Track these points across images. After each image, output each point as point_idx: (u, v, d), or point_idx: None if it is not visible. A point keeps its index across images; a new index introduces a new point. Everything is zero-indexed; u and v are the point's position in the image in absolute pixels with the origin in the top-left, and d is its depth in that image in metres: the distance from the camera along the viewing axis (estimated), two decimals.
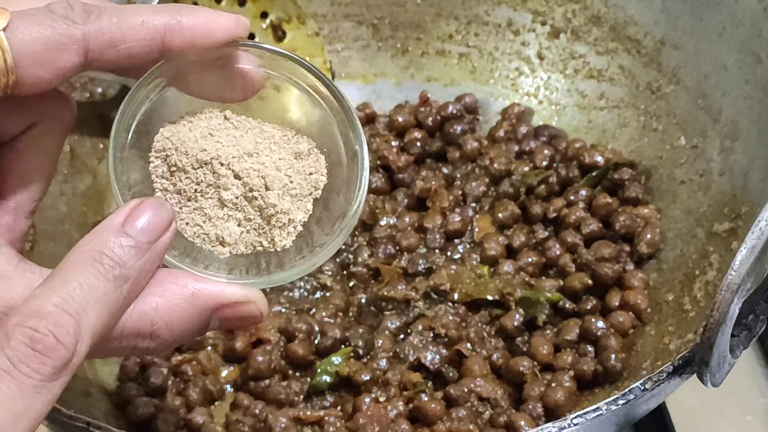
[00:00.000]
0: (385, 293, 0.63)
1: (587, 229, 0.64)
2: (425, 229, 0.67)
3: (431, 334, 0.61)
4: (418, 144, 0.72)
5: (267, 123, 0.39)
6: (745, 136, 0.59)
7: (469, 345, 0.60)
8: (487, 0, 0.75)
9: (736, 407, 0.66)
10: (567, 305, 0.62)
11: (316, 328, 0.63)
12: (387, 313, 0.63)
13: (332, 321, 0.64)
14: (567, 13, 0.73)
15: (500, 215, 0.67)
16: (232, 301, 0.37)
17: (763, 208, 0.41)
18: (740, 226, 0.57)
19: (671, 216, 0.63)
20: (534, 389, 0.57)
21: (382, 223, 0.68)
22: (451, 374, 0.59)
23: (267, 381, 0.60)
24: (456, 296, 0.63)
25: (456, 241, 0.67)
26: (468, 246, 0.67)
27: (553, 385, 0.57)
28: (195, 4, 0.63)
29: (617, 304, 0.61)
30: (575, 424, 0.45)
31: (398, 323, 0.62)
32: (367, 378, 0.59)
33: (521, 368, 0.58)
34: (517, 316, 0.61)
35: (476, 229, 0.67)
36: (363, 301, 0.64)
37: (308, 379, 0.61)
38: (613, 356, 0.58)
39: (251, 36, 0.65)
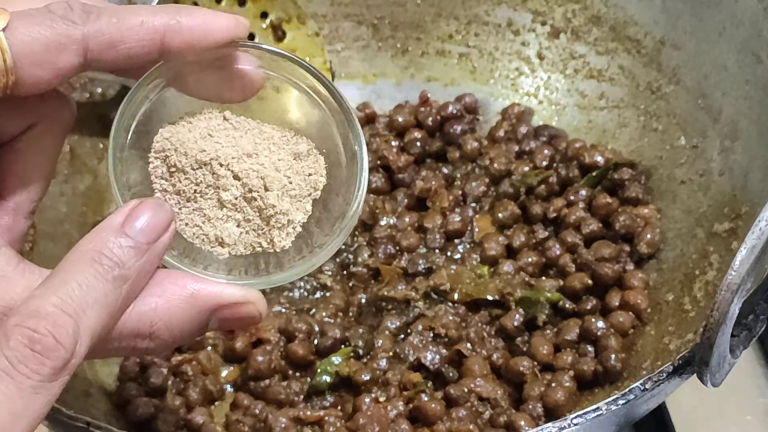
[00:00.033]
0: (385, 293, 0.63)
1: (587, 229, 0.64)
2: (425, 229, 0.67)
3: (431, 334, 0.61)
4: (418, 144, 0.72)
5: (266, 124, 0.39)
6: (745, 136, 0.59)
7: (469, 345, 0.60)
8: (487, 0, 0.75)
9: (736, 407, 0.66)
10: (567, 305, 0.62)
11: (316, 328, 0.63)
12: (387, 313, 0.63)
13: (332, 321, 0.64)
14: (567, 13, 0.73)
15: (500, 215, 0.67)
16: (231, 302, 0.37)
17: (763, 208, 0.41)
18: (740, 226, 0.57)
19: (671, 216, 0.63)
20: (534, 389, 0.57)
21: (382, 223, 0.68)
22: (451, 374, 0.59)
23: (267, 381, 0.60)
24: (456, 296, 0.63)
25: (456, 241, 0.67)
26: (468, 246, 0.67)
27: (553, 385, 0.57)
28: (195, 4, 0.63)
29: (617, 304, 0.61)
30: (575, 424, 0.45)
31: (398, 323, 0.62)
32: (367, 378, 0.59)
33: (521, 368, 0.58)
34: (517, 316, 0.61)
35: (476, 229, 0.67)
36: (363, 301, 0.64)
37: (308, 379, 0.61)
38: (613, 356, 0.58)
39: (251, 36, 0.65)
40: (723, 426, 0.65)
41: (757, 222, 0.41)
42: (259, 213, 0.38)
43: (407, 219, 0.68)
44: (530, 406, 0.57)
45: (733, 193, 0.59)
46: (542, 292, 0.62)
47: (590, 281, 0.62)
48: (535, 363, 0.59)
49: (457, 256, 0.67)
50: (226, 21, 0.37)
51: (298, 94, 0.40)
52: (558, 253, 0.64)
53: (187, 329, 0.36)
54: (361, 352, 0.61)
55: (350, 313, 0.65)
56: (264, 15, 0.66)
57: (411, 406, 0.57)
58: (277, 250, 0.38)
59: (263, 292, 0.39)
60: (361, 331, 0.62)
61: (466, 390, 0.57)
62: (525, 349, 0.60)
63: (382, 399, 0.58)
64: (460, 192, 0.69)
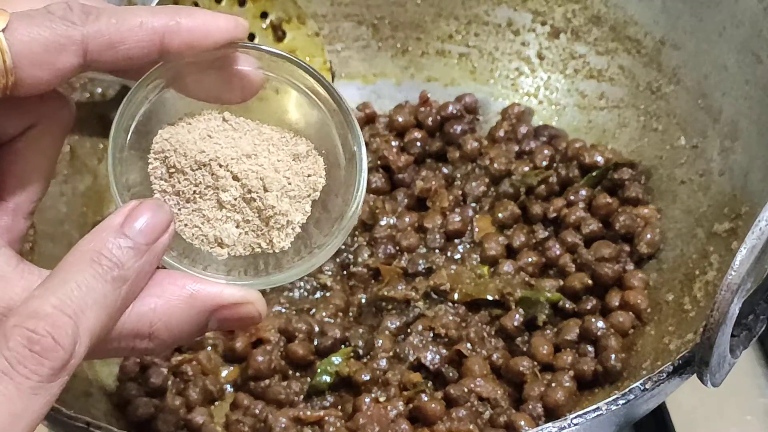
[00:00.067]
0: (385, 293, 0.63)
1: (587, 229, 0.64)
2: (425, 229, 0.67)
3: (431, 334, 0.61)
4: (418, 144, 0.72)
5: (265, 124, 0.39)
6: (745, 136, 0.59)
7: (469, 345, 0.60)
8: (487, 0, 0.75)
9: (736, 407, 0.66)
10: (567, 305, 0.62)
11: (316, 328, 0.63)
12: (387, 313, 0.63)
13: (332, 321, 0.64)
14: (567, 13, 0.73)
15: (500, 215, 0.67)
16: (231, 302, 0.37)
17: (763, 208, 0.41)
18: (740, 226, 0.57)
19: (671, 216, 0.63)
20: (534, 389, 0.57)
21: (382, 223, 0.68)
22: (451, 374, 0.59)
23: (267, 381, 0.60)
24: (456, 296, 0.63)
25: (456, 241, 0.67)
26: (468, 246, 0.67)
27: (553, 385, 0.57)
28: (195, 4, 0.63)
29: (617, 304, 0.61)
30: (575, 424, 0.45)
31: (398, 323, 0.62)
32: (367, 378, 0.59)
33: (521, 368, 0.58)
34: (517, 316, 0.61)
35: (476, 229, 0.67)
36: (363, 301, 0.64)
37: (308, 379, 0.61)
38: (613, 356, 0.58)
39: (251, 36, 0.64)
40: (723, 426, 0.65)
41: (757, 222, 0.41)
42: (258, 214, 0.38)
43: (407, 219, 0.68)
44: (530, 406, 0.57)
45: (733, 193, 0.59)
46: (542, 292, 0.62)
47: (590, 281, 0.62)
48: (535, 363, 0.59)
49: (457, 256, 0.67)
50: (226, 22, 0.37)
51: (298, 95, 0.40)
52: (558, 253, 0.64)
53: (186, 329, 0.36)
54: (361, 352, 0.61)
55: (350, 313, 0.65)
56: (264, 15, 0.66)
57: (411, 406, 0.57)
58: (276, 250, 0.39)
59: (262, 292, 0.39)
60: (361, 331, 0.62)
61: (466, 390, 0.57)
62: (525, 349, 0.60)
63: (382, 399, 0.58)
64: (460, 192, 0.69)
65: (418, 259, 0.65)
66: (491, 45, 0.76)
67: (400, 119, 0.73)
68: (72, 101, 0.40)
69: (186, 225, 0.38)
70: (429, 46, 0.77)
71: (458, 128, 0.72)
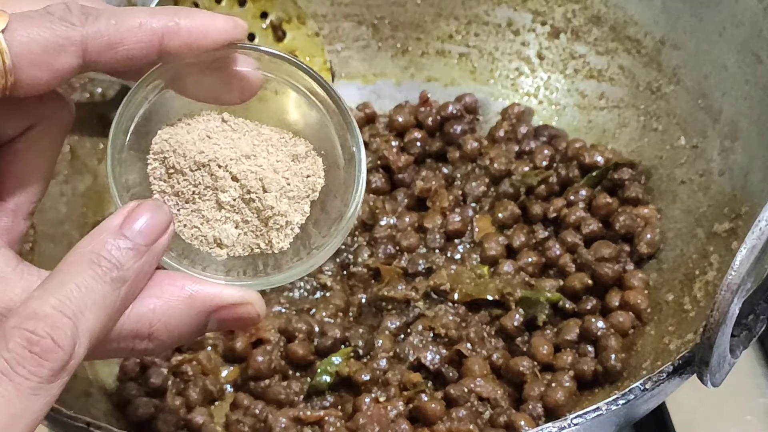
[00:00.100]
0: (385, 293, 0.63)
1: (587, 229, 0.64)
2: (425, 229, 0.67)
3: (431, 334, 0.61)
4: (418, 144, 0.72)
5: (264, 125, 0.39)
6: (745, 136, 0.59)
7: (469, 345, 0.60)
8: (487, 0, 0.75)
9: (736, 407, 0.66)
10: (567, 305, 0.62)
11: (316, 328, 0.63)
12: (387, 313, 0.63)
13: (332, 321, 0.64)
14: (567, 13, 0.73)
15: (500, 215, 0.67)
16: (230, 303, 0.37)
17: (763, 208, 0.41)
18: (740, 226, 0.57)
19: (671, 216, 0.63)
20: (534, 389, 0.57)
21: (382, 223, 0.68)
22: (451, 374, 0.59)
23: (267, 381, 0.60)
24: (456, 296, 0.63)
25: (456, 241, 0.67)
26: (468, 246, 0.67)
27: (553, 385, 0.57)
28: (195, 4, 0.63)
29: (617, 304, 0.61)
30: (575, 424, 0.45)
31: (398, 323, 0.62)
32: (367, 378, 0.59)
33: (521, 368, 0.58)
34: (517, 316, 0.61)
35: (476, 229, 0.67)
36: (363, 301, 0.64)
37: (308, 379, 0.61)
38: (613, 356, 0.58)
39: (251, 36, 0.65)
40: (723, 426, 0.65)
41: (757, 222, 0.41)
42: (257, 214, 0.38)
43: (407, 219, 0.68)
44: (530, 406, 0.57)
45: (733, 193, 0.59)
46: (542, 292, 0.62)
47: (590, 281, 0.62)
48: (535, 363, 0.59)
49: (457, 256, 0.67)
50: (225, 23, 0.37)
51: (297, 95, 0.40)
52: (558, 253, 0.64)
53: (185, 330, 0.36)
54: (361, 352, 0.61)
55: (350, 313, 0.65)
56: (264, 15, 0.66)
57: (411, 406, 0.57)
58: (276, 251, 0.39)
59: (262, 292, 0.39)
60: (361, 331, 0.62)
61: (466, 390, 0.57)
62: (525, 349, 0.60)
63: (382, 399, 0.58)
64: (460, 192, 0.69)
65: (418, 259, 0.65)
66: (491, 45, 0.76)
67: (400, 119, 0.73)
68: (71, 102, 0.40)
69: (185, 225, 0.38)
70: (429, 46, 0.77)
71: (458, 128, 0.72)
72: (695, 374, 0.46)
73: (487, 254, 0.65)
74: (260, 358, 0.60)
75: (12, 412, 0.31)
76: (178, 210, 0.38)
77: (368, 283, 0.66)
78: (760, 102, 0.58)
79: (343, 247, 0.67)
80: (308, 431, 0.57)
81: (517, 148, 0.71)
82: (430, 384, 0.59)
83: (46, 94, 0.37)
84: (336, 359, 0.60)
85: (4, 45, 0.34)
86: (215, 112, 0.39)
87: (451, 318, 0.61)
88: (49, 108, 0.39)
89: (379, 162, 0.71)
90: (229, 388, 0.62)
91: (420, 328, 0.61)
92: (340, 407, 0.59)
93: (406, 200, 0.70)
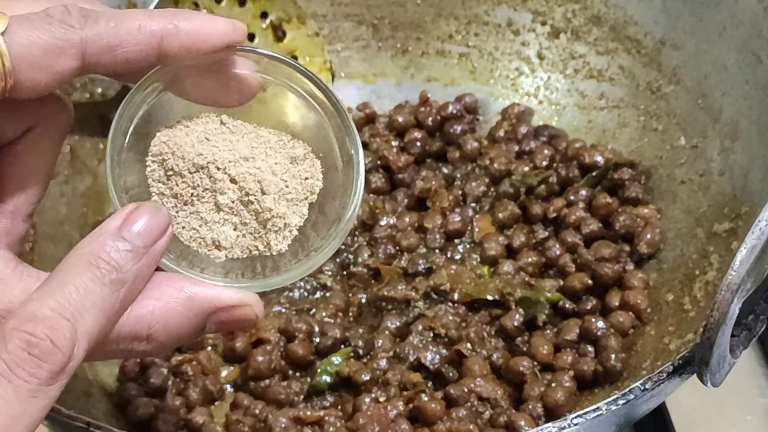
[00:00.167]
0: (385, 293, 0.63)
1: (587, 229, 0.64)
2: (425, 229, 0.67)
3: (431, 334, 0.61)
4: (418, 144, 0.72)
5: (263, 127, 0.40)
6: (745, 136, 0.59)
7: (469, 345, 0.60)
8: (487, 0, 0.75)
9: (736, 407, 0.66)
10: (567, 305, 0.62)
11: (316, 328, 0.63)
12: (387, 313, 0.63)
13: (332, 321, 0.64)
14: (567, 13, 0.73)
15: (500, 215, 0.67)
16: (228, 305, 0.37)
17: (763, 208, 0.41)
18: (740, 226, 0.57)
19: (671, 216, 0.63)
20: (534, 389, 0.57)
21: (382, 223, 0.68)
22: (451, 374, 0.59)
23: (267, 381, 0.60)
24: (456, 296, 0.63)
25: (456, 241, 0.67)
26: (468, 246, 0.67)
27: (553, 385, 0.57)
28: (195, 4, 0.63)
29: (617, 304, 0.61)
30: (575, 424, 0.45)
31: (398, 323, 0.62)
32: (367, 378, 0.59)
33: (521, 368, 0.58)
34: (517, 316, 0.61)
35: (476, 229, 0.67)
36: (363, 301, 0.64)
37: (308, 379, 0.61)
38: (613, 356, 0.58)
39: (251, 36, 0.64)
40: (723, 426, 0.65)
41: (757, 222, 0.41)
42: (255, 216, 0.38)
43: (407, 219, 0.68)
44: (530, 406, 0.57)
45: (733, 193, 0.59)
46: (542, 292, 0.62)
47: (590, 281, 0.62)
48: (535, 363, 0.59)
49: (457, 256, 0.67)
50: (224, 25, 0.37)
51: (295, 98, 0.40)
52: (558, 253, 0.64)
53: (184, 332, 0.37)
54: (361, 352, 0.61)
55: (350, 313, 0.65)
56: (264, 15, 0.65)
57: (411, 406, 0.57)
58: (274, 253, 0.39)
59: (261, 293, 0.39)
60: (361, 331, 0.62)
61: (466, 390, 0.57)
62: (525, 349, 0.60)
63: (382, 399, 0.58)
64: (460, 192, 0.69)
65: (418, 259, 0.65)
66: (491, 45, 0.76)
67: (400, 119, 0.73)
68: (70, 104, 0.40)
69: (184, 227, 0.38)
70: (429, 46, 0.77)
71: (458, 128, 0.72)
72: (695, 374, 0.46)
73: (487, 254, 0.65)
74: (260, 358, 0.60)
75: (11, 414, 0.31)
76: (177, 212, 0.38)
77: (368, 283, 0.66)
78: (760, 102, 0.58)
79: (343, 247, 0.67)
80: (308, 431, 0.57)
81: (517, 148, 0.71)
82: (430, 384, 0.59)
83: (45, 96, 0.36)
84: (336, 359, 0.61)
85: (3, 47, 0.34)
86: (214, 114, 0.39)
87: (451, 318, 0.61)
88: (48, 110, 0.39)
89: (379, 162, 0.71)
90: (229, 388, 0.62)
91: (420, 328, 0.61)
92: (340, 407, 0.60)
93: (406, 200, 0.70)
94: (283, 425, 0.57)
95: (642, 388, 0.46)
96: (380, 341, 0.61)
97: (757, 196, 0.56)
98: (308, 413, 0.58)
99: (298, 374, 0.62)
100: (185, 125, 0.38)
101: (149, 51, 0.36)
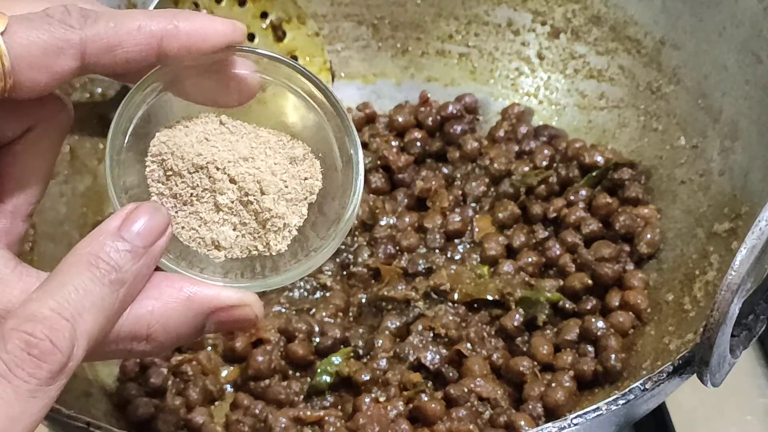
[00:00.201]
0: (385, 293, 0.63)
1: (587, 229, 0.64)
2: (425, 229, 0.67)
3: (431, 334, 0.61)
4: (418, 144, 0.72)
5: (262, 128, 0.40)
6: (745, 136, 0.59)
7: (469, 345, 0.60)
8: (487, 0, 0.75)
9: (736, 407, 0.66)
10: (567, 305, 0.62)
11: (316, 328, 0.63)
12: (387, 313, 0.63)
13: (332, 321, 0.64)
14: (567, 13, 0.73)
15: (500, 215, 0.67)
16: (228, 305, 0.37)
17: (763, 208, 0.41)
18: (740, 226, 0.57)
19: (671, 216, 0.63)
20: (534, 389, 0.57)
21: (382, 223, 0.68)
22: (451, 374, 0.59)
23: (267, 381, 0.60)
24: (456, 296, 0.63)
25: (456, 241, 0.67)
26: (468, 246, 0.67)
27: (553, 385, 0.57)
28: (195, 4, 0.63)
29: (617, 304, 0.61)
30: (575, 424, 0.45)
31: (398, 323, 0.62)
32: (367, 378, 0.59)
33: (521, 368, 0.58)
34: (517, 316, 0.61)
35: (476, 229, 0.67)
36: (363, 301, 0.64)
37: (308, 379, 0.61)
38: (613, 356, 0.58)
39: (251, 36, 0.65)
40: (723, 426, 0.65)
41: (757, 222, 0.41)
42: (255, 216, 0.38)
43: (407, 219, 0.68)
44: (530, 406, 0.57)
45: (733, 193, 0.59)
46: (542, 292, 0.62)
47: (590, 281, 0.62)
48: (535, 363, 0.59)
49: (457, 256, 0.67)
50: (223, 26, 0.37)
51: (295, 98, 0.40)
52: (558, 253, 0.64)
53: (183, 332, 0.37)
54: (361, 352, 0.61)
55: (350, 313, 0.65)
56: (264, 15, 0.65)
57: (411, 406, 0.57)
58: (273, 253, 0.39)
59: (261, 293, 0.39)
60: (361, 331, 0.62)
61: (466, 390, 0.57)
62: (525, 349, 0.60)
63: (382, 399, 0.58)
64: (460, 192, 0.69)
65: (418, 259, 0.65)
66: (491, 45, 0.76)
67: (400, 119, 0.73)
68: (70, 104, 0.40)
69: (183, 227, 0.38)
70: (429, 46, 0.77)
71: (458, 128, 0.72)
72: (695, 374, 0.46)
73: (487, 254, 0.65)
74: (260, 358, 0.60)
75: (10, 414, 0.31)
76: (176, 212, 0.38)
77: (368, 283, 0.66)
78: (760, 102, 0.58)
79: (343, 247, 0.67)
80: (308, 431, 0.57)
81: (517, 148, 0.71)
82: (430, 384, 0.59)
83: (45, 96, 0.37)
84: (336, 359, 0.61)
85: (3, 47, 0.34)
86: (213, 114, 0.39)
87: (451, 318, 0.61)
88: (48, 110, 0.39)
89: (379, 162, 0.71)
90: (229, 388, 0.62)
91: (420, 328, 0.61)
92: (340, 407, 0.60)
93: (406, 200, 0.70)
94: (283, 425, 0.57)
95: (642, 388, 0.46)
96: (380, 341, 0.61)
97: (757, 196, 0.56)
98: (308, 413, 0.58)
99: (298, 374, 0.62)
100: (185, 125, 0.38)
101: (149, 51, 0.36)
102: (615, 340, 0.59)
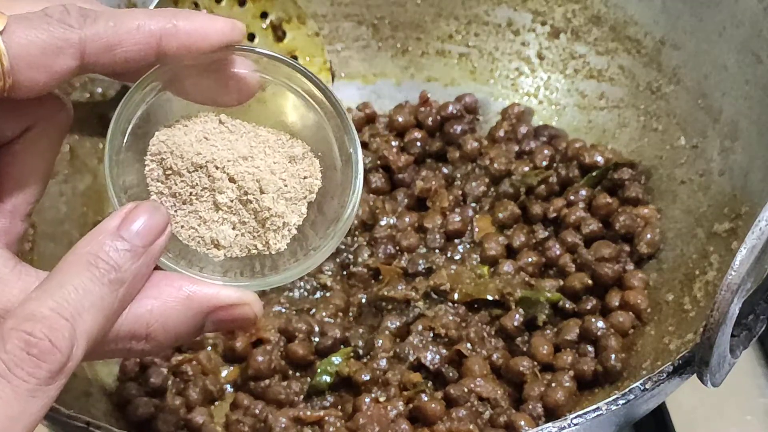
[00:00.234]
0: (385, 293, 0.63)
1: (587, 229, 0.64)
2: (425, 229, 0.67)
3: (431, 334, 0.61)
4: (418, 144, 0.72)
5: (262, 127, 0.40)
6: (745, 136, 0.59)
7: (469, 345, 0.60)
8: (487, 0, 0.75)
9: (736, 407, 0.66)
10: (567, 305, 0.62)
11: (316, 328, 0.63)
12: (387, 313, 0.63)
13: (332, 321, 0.64)
14: (567, 13, 0.73)
15: (500, 215, 0.67)
16: (227, 304, 0.37)
17: (763, 208, 0.41)
18: (740, 226, 0.57)
19: (671, 216, 0.63)
20: (534, 389, 0.57)
21: (382, 223, 0.68)
22: (451, 374, 0.59)
23: (267, 381, 0.60)
24: (456, 296, 0.63)
25: (456, 241, 0.67)
26: (468, 246, 0.67)
27: (553, 385, 0.57)
28: (195, 3, 0.63)
29: (617, 304, 0.61)
30: (575, 424, 0.45)
31: (398, 323, 0.62)
32: (367, 378, 0.59)
33: (521, 368, 0.58)
34: (517, 316, 0.61)
35: (476, 229, 0.67)
36: (363, 301, 0.64)
37: (308, 379, 0.61)
38: (613, 356, 0.58)
39: (251, 36, 0.65)
40: (723, 426, 0.65)
41: (757, 222, 0.41)
42: (254, 215, 0.38)
43: (407, 219, 0.68)
44: (530, 406, 0.57)
45: (733, 193, 0.59)
46: (542, 292, 0.62)
47: (590, 281, 0.62)
48: (535, 363, 0.59)
49: (457, 256, 0.66)
50: (223, 25, 0.38)
51: (294, 97, 0.40)
52: (558, 253, 0.64)
53: (183, 331, 0.37)
54: (361, 352, 0.61)
55: (350, 313, 0.65)
56: (264, 15, 0.65)
57: (411, 406, 0.57)
58: (273, 252, 0.39)
59: (261, 293, 0.39)
60: (361, 331, 0.62)
61: (466, 390, 0.57)
62: (525, 349, 0.60)
63: (382, 399, 0.58)
64: (460, 192, 0.69)
65: (418, 259, 0.65)
66: (491, 45, 0.76)
67: (400, 119, 0.73)
68: (69, 103, 0.40)
69: (182, 227, 0.38)
70: (429, 46, 0.77)
71: (458, 128, 0.72)
72: (695, 374, 0.46)
73: (487, 254, 0.65)
74: (260, 358, 0.60)
75: (9, 414, 0.31)
76: (176, 211, 0.38)
77: (368, 283, 0.66)
78: (760, 102, 0.58)
79: (343, 247, 0.67)
80: (308, 431, 0.57)
81: (517, 148, 0.71)
82: (430, 384, 0.59)
83: (44, 95, 0.37)
84: (336, 359, 0.61)
85: (2, 47, 0.34)
86: (213, 113, 0.39)
87: (451, 318, 0.61)
88: (47, 109, 0.39)
89: (379, 162, 0.71)
90: (229, 388, 0.62)
91: (420, 328, 0.61)
92: (340, 407, 0.60)
93: (406, 200, 0.70)
94: (283, 425, 0.57)
95: (642, 388, 0.46)
96: (380, 341, 0.61)
97: (757, 196, 0.56)
98: (308, 413, 0.58)
99: (298, 374, 0.62)
100: (184, 124, 0.38)
101: (148, 50, 0.36)
102: (615, 340, 0.58)
